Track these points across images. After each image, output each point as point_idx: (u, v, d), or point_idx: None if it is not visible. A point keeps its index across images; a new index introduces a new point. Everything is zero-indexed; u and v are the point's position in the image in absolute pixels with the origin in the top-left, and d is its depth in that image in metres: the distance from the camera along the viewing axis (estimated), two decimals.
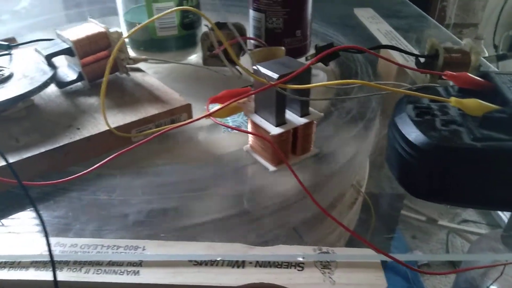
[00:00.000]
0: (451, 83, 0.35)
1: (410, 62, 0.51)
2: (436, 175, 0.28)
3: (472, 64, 0.43)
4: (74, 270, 0.26)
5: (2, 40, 0.44)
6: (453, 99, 0.28)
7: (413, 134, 0.28)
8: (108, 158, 0.29)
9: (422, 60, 0.46)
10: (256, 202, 0.33)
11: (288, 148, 0.34)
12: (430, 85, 0.34)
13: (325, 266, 0.26)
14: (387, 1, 0.79)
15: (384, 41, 0.58)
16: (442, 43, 0.45)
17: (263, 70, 0.31)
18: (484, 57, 0.93)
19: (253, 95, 0.34)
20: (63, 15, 0.77)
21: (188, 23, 0.50)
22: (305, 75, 0.31)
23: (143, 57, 0.44)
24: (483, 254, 0.48)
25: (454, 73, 0.31)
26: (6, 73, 0.36)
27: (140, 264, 0.26)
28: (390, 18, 0.67)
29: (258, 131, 0.33)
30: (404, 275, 0.80)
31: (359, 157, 0.42)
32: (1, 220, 0.30)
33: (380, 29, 0.63)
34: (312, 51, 0.52)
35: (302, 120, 0.33)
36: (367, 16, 0.68)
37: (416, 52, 0.53)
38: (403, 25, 0.65)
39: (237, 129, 0.34)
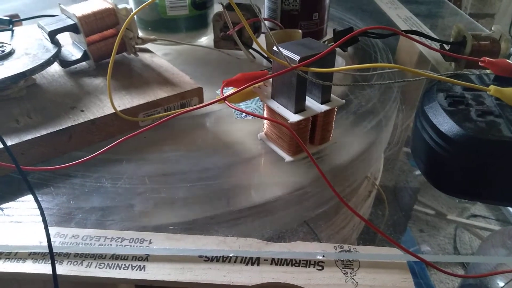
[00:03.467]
0: (488, 71, 0.32)
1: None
2: (470, 169, 0.26)
3: (501, 52, 0.40)
4: (75, 263, 0.24)
5: (4, 16, 0.42)
6: (492, 87, 0.26)
7: (446, 124, 0.26)
8: (114, 143, 0.27)
9: (447, 47, 0.43)
10: (270, 194, 0.31)
11: (306, 137, 0.31)
12: (462, 72, 0.31)
13: (347, 265, 0.24)
14: None
15: (404, 27, 0.55)
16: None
17: (284, 51, 0.28)
18: None
19: (270, 80, 0.32)
20: None
21: (200, 3, 0.47)
22: (328, 59, 0.29)
23: (152, 37, 0.41)
24: (508, 258, 0.46)
25: (493, 60, 0.29)
26: (7, 49, 0.34)
27: (146, 258, 0.24)
28: (409, 3, 0.64)
29: (275, 118, 0.31)
30: (411, 269, 0.78)
31: (377, 148, 0.40)
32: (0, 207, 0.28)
33: (399, 14, 0.60)
34: (329, 36, 0.49)
35: (323, 107, 0.30)
36: (385, 1, 0.65)
37: (438, 38, 0.50)
38: (423, 10, 0.62)
39: (254, 114, 0.32)
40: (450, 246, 0.94)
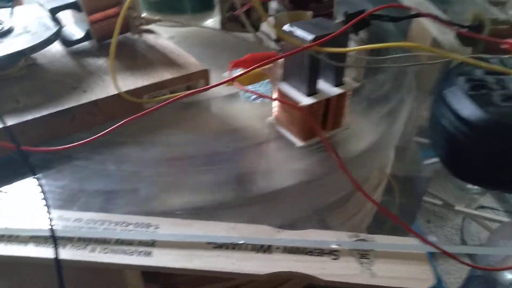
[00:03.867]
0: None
1: (447, 34, 0.47)
2: (494, 156, 0.24)
3: None
4: (78, 248, 0.23)
5: None
6: None
7: (468, 109, 0.25)
8: (118, 124, 0.26)
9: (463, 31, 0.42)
10: (280, 180, 0.30)
11: (318, 121, 0.30)
12: (483, 56, 0.30)
13: (363, 255, 0.23)
14: None
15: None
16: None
17: (296, 30, 0.27)
18: None
19: (280, 61, 0.30)
20: None
21: None
22: (342, 39, 0.28)
23: (157, 17, 0.40)
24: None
25: None
26: (5, 27, 0.32)
27: (152, 244, 0.23)
28: None
29: (286, 101, 0.30)
30: None
31: (391, 136, 0.39)
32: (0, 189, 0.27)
33: None
34: (338, 19, 0.48)
35: (336, 90, 0.29)
36: None
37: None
38: None
39: (266, 96, 0.30)
40: (457, 237, 0.93)
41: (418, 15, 0.45)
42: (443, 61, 0.26)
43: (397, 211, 0.47)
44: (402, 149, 0.49)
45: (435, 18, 0.43)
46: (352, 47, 0.45)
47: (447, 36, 0.47)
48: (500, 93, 0.26)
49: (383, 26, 0.50)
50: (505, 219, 0.88)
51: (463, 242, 0.91)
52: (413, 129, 0.48)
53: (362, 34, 0.48)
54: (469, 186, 0.98)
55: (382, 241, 0.23)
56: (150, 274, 0.27)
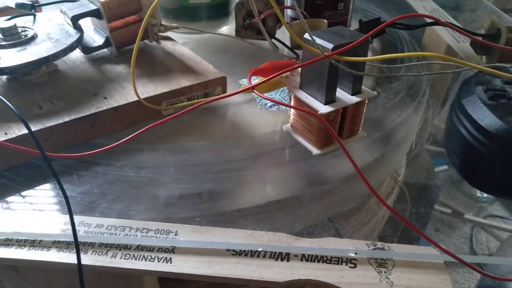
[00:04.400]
0: None
1: (462, 42, 0.47)
2: None
3: None
4: (100, 253, 0.23)
5: (26, 1, 0.41)
6: None
7: (487, 119, 0.25)
8: (140, 131, 0.26)
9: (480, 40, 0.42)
10: (296, 187, 0.30)
11: (335, 129, 0.30)
12: (501, 65, 0.30)
13: (381, 264, 0.23)
14: None
15: (430, 21, 0.53)
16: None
17: (317, 39, 0.27)
18: None
19: (298, 69, 0.31)
20: None
21: None
22: (361, 48, 0.28)
23: (174, 25, 0.40)
24: None
25: None
26: (29, 34, 0.33)
27: (172, 250, 0.23)
28: None
29: (304, 109, 0.30)
30: None
31: (405, 143, 0.39)
32: (21, 194, 0.27)
33: (425, 6, 0.58)
34: (354, 26, 0.48)
35: (354, 99, 0.29)
36: None
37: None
38: (450, 2, 0.60)
39: (284, 104, 0.31)
40: (466, 246, 0.93)
41: (435, 23, 0.45)
42: (460, 70, 0.26)
43: (409, 219, 0.47)
44: (414, 157, 0.49)
45: (452, 26, 0.43)
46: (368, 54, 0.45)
47: (462, 44, 0.47)
48: None
49: (396, 34, 0.50)
50: None
51: (472, 251, 0.90)
52: (425, 137, 0.48)
53: (376, 42, 0.48)
54: (479, 194, 0.97)
55: (400, 250, 0.23)
56: (165, 280, 0.28)
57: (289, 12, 0.47)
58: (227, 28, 0.50)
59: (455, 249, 0.90)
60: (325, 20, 0.42)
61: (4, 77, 0.32)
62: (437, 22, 0.45)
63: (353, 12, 0.49)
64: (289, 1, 0.47)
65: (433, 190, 0.56)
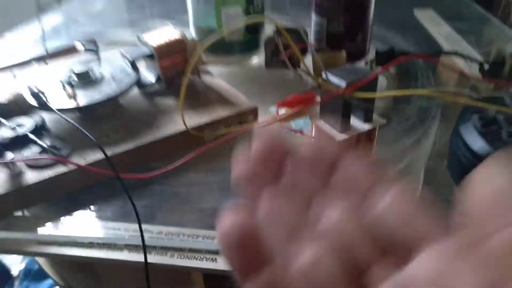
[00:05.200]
0: None
1: (473, 67, 0.51)
2: None
3: None
4: (161, 254, 0.29)
5: (85, 42, 0.49)
6: None
7: (477, 144, 0.29)
8: (192, 155, 0.33)
9: (486, 67, 0.46)
10: None
11: None
12: (497, 95, 0.34)
13: None
14: (449, 0, 0.77)
15: (445, 45, 0.57)
16: (507, 45, 0.45)
17: (331, 77, 0.33)
18: None
19: (318, 101, 0.36)
20: (128, 16, 0.82)
21: (253, 28, 0.53)
22: (371, 83, 0.33)
23: (212, 60, 0.47)
24: None
25: None
26: (97, 75, 0.40)
27: (217, 252, 0.29)
28: (451, 19, 0.66)
29: (322, 136, 0.36)
30: None
31: (418, 163, 0.43)
32: (96, 207, 0.34)
33: (441, 31, 0.62)
34: (371, 53, 0.53)
35: (366, 126, 0.35)
36: (427, 18, 0.67)
37: (479, 57, 0.52)
38: (465, 27, 0.63)
39: (304, 133, 0.36)
40: None
41: (443, 52, 0.49)
42: (450, 101, 0.31)
43: None
44: (432, 172, 0.53)
45: (458, 55, 0.48)
46: (382, 81, 0.50)
47: (474, 70, 0.51)
48: (508, 130, 0.30)
49: (412, 60, 0.54)
50: None
51: None
52: (441, 154, 0.52)
53: (391, 68, 0.53)
54: None
55: None
56: (210, 279, 0.34)
57: (313, 43, 0.53)
58: (258, 60, 0.56)
59: None
60: (344, 52, 0.48)
61: (77, 112, 0.40)
62: (444, 52, 0.49)
63: (371, 40, 0.54)
64: (312, 35, 0.53)
65: (450, 206, 0.59)
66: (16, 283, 0.85)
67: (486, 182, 0.11)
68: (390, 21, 0.65)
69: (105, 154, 0.31)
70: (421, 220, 0.12)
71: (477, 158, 0.29)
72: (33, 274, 0.84)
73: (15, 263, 0.90)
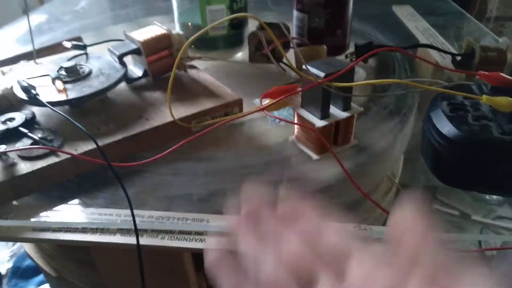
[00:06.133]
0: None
1: (447, 59, 0.53)
2: (466, 165, 0.31)
3: (508, 62, 0.45)
4: (152, 236, 0.31)
5: (70, 40, 0.50)
6: (484, 97, 0.31)
7: (446, 127, 0.32)
8: (179, 144, 0.35)
9: (458, 58, 0.48)
10: (300, 187, 0.38)
11: (331, 139, 0.38)
12: (464, 83, 0.36)
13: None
14: None
15: (421, 39, 0.60)
16: (479, 40, 0.48)
17: (311, 69, 0.35)
18: None
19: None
20: (111, 16, 0.83)
21: (237, 23, 0.55)
22: (348, 74, 0.35)
23: (198, 55, 0.49)
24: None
25: (487, 73, 0.34)
26: (86, 70, 0.42)
27: (205, 233, 0.31)
28: (428, 15, 0.69)
29: (304, 124, 0.38)
30: None
31: (395, 149, 0.46)
32: (90, 194, 0.35)
33: (418, 26, 0.65)
34: (351, 48, 0.55)
35: (344, 114, 0.37)
36: (405, 13, 0.70)
37: (452, 50, 0.55)
38: (441, 22, 0.66)
39: (288, 121, 0.38)
40: (475, 247, 0.97)
41: (418, 45, 0.52)
42: (420, 90, 0.33)
43: None
44: (410, 159, 0.56)
45: (433, 48, 0.50)
46: (362, 73, 0.52)
47: (448, 61, 0.53)
48: (473, 114, 0.32)
49: (390, 53, 0.57)
50: None
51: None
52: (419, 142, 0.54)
53: (371, 60, 0.55)
54: (487, 197, 1.02)
55: (379, 230, 0.30)
56: (200, 264, 0.35)
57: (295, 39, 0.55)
58: (242, 54, 0.58)
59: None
60: (324, 46, 0.50)
61: (67, 106, 0.41)
62: (419, 45, 0.52)
63: (351, 35, 0.56)
64: (294, 30, 0.55)
65: (431, 191, 0.62)
66: (5, 281, 0.85)
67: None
68: (369, 17, 0.68)
69: (96, 143, 0.32)
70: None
71: (446, 141, 0.31)
72: (21, 272, 0.84)
73: (3, 262, 0.90)
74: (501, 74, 0.34)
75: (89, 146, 0.35)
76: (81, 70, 0.42)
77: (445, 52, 0.49)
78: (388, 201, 0.51)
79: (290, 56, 0.49)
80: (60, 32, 0.71)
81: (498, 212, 1.06)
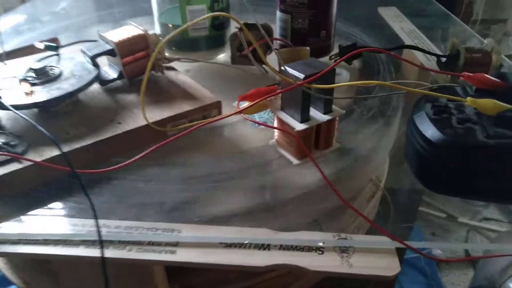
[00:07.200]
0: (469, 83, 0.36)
1: (432, 61, 0.52)
2: (450, 169, 0.30)
3: (493, 64, 0.44)
4: (119, 248, 0.29)
5: (46, 41, 0.48)
6: (469, 99, 0.30)
7: (430, 131, 0.30)
8: (149, 150, 0.33)
9: (443, 60, 0.47)
10: (280, 193, 0.36)
11: (311, 143, 0.36)
12: (448, 85, 0.35)
13: (344, 250, 0.28)
14: None
15: (407, 40, 0.59)
16: (466, 42, 0.47)
17: (290, 70, 0.33)
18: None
19: (280, 93, 0.37)
20: (96, 16, 0.81)
21: (218, 24, 0.53)
22: (329, 75, 0.34)
23: (176, 56, 0.47)
24: (502, 245, 0.49)
25: (471, 74, 0.33)
26: (56, 72, 0.40)
27: (176, 244, 0.29)
28: (414, 16, 0.68)
29: (284, 127, 0.36)
30: (423, 270, 0.81)
31: (379, 152, 0.44)
32: (55, 203, 0.33)
33: (403, 28, 0.64)
34: (335, 50, 0.54)
35: (325, 117, 0.35)
36: (391, 15, 0.69)
37: (438, 51, 0.54)
38: (426, 23, 0.65)
39: (265, 124, 0.37)
40: (461, 248, 0.97)
41: (403, 47, 0.51)
42: (404, 92, 0.32)
43: (392, 220, 0.52)
44: (396, 162, 0.54)
45: (418, 49, 0.49)
46: (346, 75, 0.51)
47: (433, 63, 0.52)
48: (458, 117, 0.31)
49: (374, 55, 0.56)
50: (509, 230, 0.90)
51: (467, 253, 0.93)
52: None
53: (356, 62, 0.54)
54: None
55: (359, 239, 0.29)
56: (172, 275, 0.33)
57: (278, 40, 0.53)
58: (224, 56, 0.56)
59: (451, 252, 0.94)
60: (308, 48, 0.49)
61: (36, 109, 0.39)
62: (404, 46, 0.51)
63: (335, 37, 0.55)
64: (278, 31, 0.54)
65: (416, 194, 0.61)
66: None
67: None
68: (355, 18, 0.67)
69: (60, 149, 0.30)
70: None
71: (429, 144, 0.30)
72: None
73: None
74: (485, 75, 0.33)
75: (56, 151, 0.33)
76: (51, 72, 0.40)
77: (430, 53, 0.48)
78: (373, 206, 0.50)
79: (275, 57, 0.47)
80: (38, 33, 0.68)
81: (484, 213, 1.06)
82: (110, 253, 0.29)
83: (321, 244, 0.29)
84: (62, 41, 0.54)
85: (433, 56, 0.50)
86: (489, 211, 1.03)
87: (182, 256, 0.28)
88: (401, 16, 0.69)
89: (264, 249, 0.29)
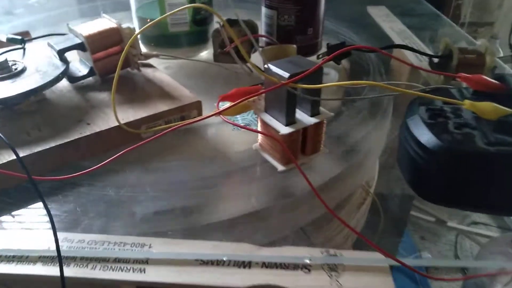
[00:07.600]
0: (465, 84, 0.34)
1: (423, 61, 0.50)
2: (447, 178, 0.27)
3: (486, 65, 0.42)
4: (81, 266, 0.26)
5: (16, 34, 0.44)
6: (467, 102, 0.28)
7: (425, 136, 0.28)
8: (118, 154, 0.29)
9: (435, 60, 0.45)
10: (264, 201, 0.33)
11: (297, 147, 0.33)
12: (443, 86, 0.33)
13: (332, 268, 0.26)
14: None
15: (397, 40, 0.57)
16: (456, 43, 0.45)
17: (274, 68, 0.30)
18: (499, 57, 0.91)
19: (263, 94, 0.34)
20: (76, 9, 0.77)
21: (200, 20, 0.50)
22: (316, 75, 0.31)
23: (154, 53, 0.44)
24: (493, 261, 0.47)
25: (469, 75, 0.31)
26: (19, 67, 0.36)
27: (146, 261, 0.26)
28: (403, 16, 0.66)
29: (268, 130, 0.33)
30: (412, 276, 0.79)
31: (369, 157, 0.42)
32: (11, 214, 0.30)
33: (393, 27, 0.62)
34: (323, 49, 0.51)
35: (312, 120, 0.32)
36: (380, 14, 0.67)
37: (429, 51, 0.52)
38: (416, 23, 0.64)
39: (247, 128, 0.34)
40: (451, 253, 0.96)
41: (394, 46, 0.49)
42: (395, 94, 0.29)
43: (383, 227, 0.50)
44: (386, 168, 0.52)
45: (409, 49, 0.47)
46: (334, 75, 0.49)
47: (424, 63, 0.50)
48: (454, 121, 0.29)
49: (364, 54, 0.53)
50: (497, 234, 0.90)
51: (457, 257, 0.92)
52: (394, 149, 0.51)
53: (345, 62, 0.52)
54: None
55: (349, 255, 0.26)
56: None
57: (263, 38, 0.51)
58: (207, 53, 0.53)
59: (441, 256, 0.93)
60: (294, 46, 0.46)
61: None
62: (394, 46, 0.49)
63: (323, 35, 0.52)
64: (263, 28, 0.51)
65: (407, 200, 0.59)
66: None
67: None
68: (343, 17, 0.64)
69: (15, 153, 0.27)
70: None
71: (424, 151, 0.28)
72: None
73: None
74: (484, 76, 0.30)
75: (14, 156, 0.30)
76: (13, 67, 0.36)
77: (422, 53, 0.46)
78: (362, 213, 0.48)
79: (259, 56, 0.45)
80: (10, 26, 0.64)
81: (473, 217, 1.05)
82: (70, 271, 0.25)
83: (307, 261, 0.26)
84: (36, 35, 0.50)
85: (424, 57, 0.48)
86: (478, 215, 1.02)
87: (153, 275, 0.25)
88: (391, 16, 0.67)
89: (245, 267, 0.26)
